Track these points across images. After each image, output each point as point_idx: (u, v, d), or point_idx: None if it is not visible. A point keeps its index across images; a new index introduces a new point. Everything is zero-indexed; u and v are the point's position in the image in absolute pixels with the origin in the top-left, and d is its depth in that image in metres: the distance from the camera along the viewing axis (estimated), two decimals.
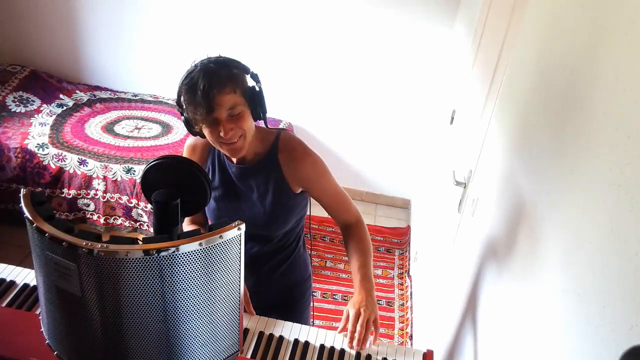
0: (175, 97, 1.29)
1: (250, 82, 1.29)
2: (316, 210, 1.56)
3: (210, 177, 1.44)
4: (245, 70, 1.27)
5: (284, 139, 1.40)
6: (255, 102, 1.28)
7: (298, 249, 1.60)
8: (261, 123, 1.35)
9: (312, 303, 1.78)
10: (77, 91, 3.68)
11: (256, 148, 1.39)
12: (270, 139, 1.40)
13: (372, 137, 3.74)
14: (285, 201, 1.43)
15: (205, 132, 1.27)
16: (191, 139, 1.45)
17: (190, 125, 1.29)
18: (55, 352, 0.90)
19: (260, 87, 1.28)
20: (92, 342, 0.83)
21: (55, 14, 3.67)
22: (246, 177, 1.41)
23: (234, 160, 1.39)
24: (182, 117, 1.29)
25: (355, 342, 1.29)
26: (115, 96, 3.72)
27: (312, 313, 1.82)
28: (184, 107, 1.24)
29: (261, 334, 1.33)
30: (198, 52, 4.06)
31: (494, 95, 1.73)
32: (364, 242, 1.45)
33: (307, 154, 1.40)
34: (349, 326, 1.30)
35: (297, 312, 1.68)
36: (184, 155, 1.45)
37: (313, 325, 1.44)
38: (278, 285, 1.60)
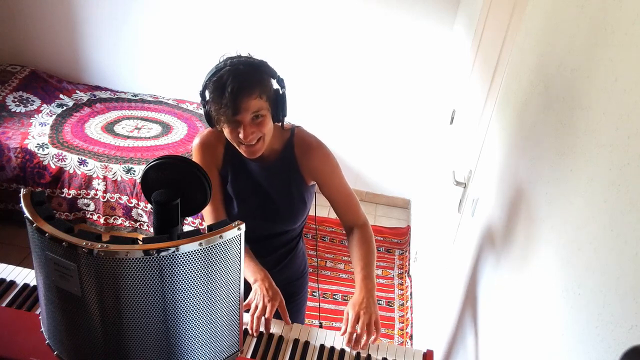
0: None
1: (275, 85, 1.31)
2: (317, 210, 1.57)
3: (231, 178, 1.46)
4: (272, 75, 1.29)
5: (299, 135, 1.44)
6: (278, 106, 1.30)
7: (300, 241, 1.66)
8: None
9: (318, 304, 1.79)
10: (77, 91, 3.68)
11: (273, 145, 1.41)
12: (286, 135, 1.44)
13: (372, 137, 3.74)
14: (303, 195, 1.47)
15: (225, 130, 1.30)
16: (199, 139, 1.44)
17: (210, 119, 1.30)
18: (55, 352, 0.90)
19: (284, 92, 1.31)
20: (92, 342, 0.83)
21: (55, 14, 3.67)
22: (267, 174, 1.44)
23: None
24: (203, 110, 1.30)
25: (354, 345, 1.30)
26: (115, 96, 3.72)
27: (318, 314, 1.83)
28: (208, 102, 1.26)
29: (261, 334, 1.34)
30: (197, 53, 4.05)
31: (494, 95, 1.73)
32: (369, 244, 1.47)
33: (320, 147, 1.44)
34: (348, 328, 1.31)
35: (295, 306, 1.71)
36: (195, 156, 1.45)
37: (318, 327, 1.44)
38: (279, 278, 1.61)
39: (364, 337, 1.29)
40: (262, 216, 1.48)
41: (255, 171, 1.44)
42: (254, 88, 1.22)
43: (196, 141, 1.45)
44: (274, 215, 1.48)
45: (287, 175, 1.44)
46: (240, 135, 1.27)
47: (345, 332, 1.32)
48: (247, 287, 1.31)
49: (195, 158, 1.44)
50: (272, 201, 1.47)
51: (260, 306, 1.31)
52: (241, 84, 1.20)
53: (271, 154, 1.42)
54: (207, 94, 1.26)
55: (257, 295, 1.33)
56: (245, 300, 1.35)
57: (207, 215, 1.45)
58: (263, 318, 1.32)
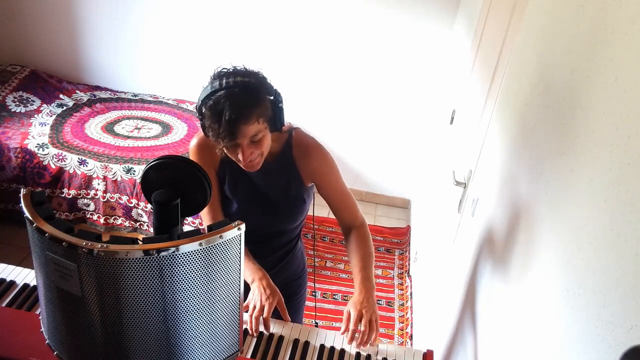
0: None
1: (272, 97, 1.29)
2: (316, 210, 1.57)
3: (229, 179, 1.45)
4: (269, 92, 1.27)
5: (297, 136, 1.45)
6: (276, 120, 1.30)
7: (298, 242, 1.66)
8: None
9: (314, 303, 1.80)
10: (77, 91, 3.68)
11: (271, 148, 1.40)
12: (284, 137, 1.44)
13: (372, 137, 3.73)
14: (302, 195, 1.48)
15: (224, 149, 1.30)
16: (197, 139, 1.44)
17: (207, 133, 1.28)
18: (55, 352, 0.90)
19: (281, 105, 1.29)
20: (92, 342, 0.83)
21: (55, 14, 3.67)
22: (265, 176, 1.44)
23: None
24: (200, 122, 1.29)
25: (358, 341, 1.30)
26: (115, 96, 3.72)
27: (314, 313, 1.83)
28: (205, 122, 1.24)
29: (261, 334, 1.34)
30: (197, 53, 4.03)
31: (494, 95, 1.73)
32: (367, 245, 1.48)
33: (318, 148, 1.45)
34: (351, 326, 1.31)
35: (293, 306, 1.71)
36: (192, 157, 1.44)
37: (316, 326, 1.44)
38: (277, 279, 1.61)
39: (367, 334, 1.30)
40: (261, 217, 1.48)
41: (253, 173, 1.44)
42: (251, 114, 1.21)
43: (193, 142, 1.44)
44: (273, 216, 1.48)
45: (285, 177, 1.44)
46: (239, 157, 1.28)
47: (345, 330, 1.32)
48: (247, 288, 1.31)
49: (193, 158, 1.43)
50: (270, 202, 1.47)
51: (258, 306, 1.32)
52: (238, 113, 1.18)
53: (269, 155, 1.41)
54: (203, 113, 1.24)
55: (255, 295, 1.34)
56: (244, 300, 1.35)
57: (205, 216, 1.45)
58: (262, 318, 1.32)
